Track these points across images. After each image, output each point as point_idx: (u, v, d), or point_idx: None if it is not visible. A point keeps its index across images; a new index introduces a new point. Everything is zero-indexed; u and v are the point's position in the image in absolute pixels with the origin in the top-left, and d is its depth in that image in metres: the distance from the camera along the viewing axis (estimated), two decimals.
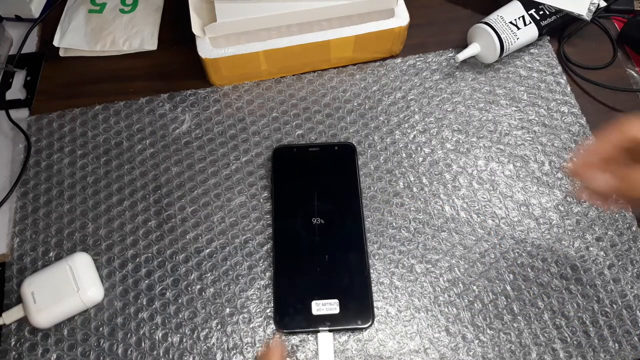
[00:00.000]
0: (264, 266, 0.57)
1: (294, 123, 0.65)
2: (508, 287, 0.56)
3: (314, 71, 0.69)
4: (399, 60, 0.70)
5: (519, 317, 0.55)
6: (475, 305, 0.55)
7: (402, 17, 0.66)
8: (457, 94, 0.67)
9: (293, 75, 0.69)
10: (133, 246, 0.58)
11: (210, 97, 0.67)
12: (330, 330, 0.54)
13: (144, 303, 0.56)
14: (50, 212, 0.60)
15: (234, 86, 0.68)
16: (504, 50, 0.66)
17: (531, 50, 0.70)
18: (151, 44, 0.72)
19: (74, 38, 0.71)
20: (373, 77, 0.69)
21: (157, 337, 0.54)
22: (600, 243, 0.58)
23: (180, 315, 0.55)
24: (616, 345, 0.54)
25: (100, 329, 0.55)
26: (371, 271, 0.57)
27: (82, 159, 0.63)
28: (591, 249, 0.58)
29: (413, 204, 0.60)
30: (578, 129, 0.65)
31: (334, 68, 0.69)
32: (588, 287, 0.56)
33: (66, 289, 0.53)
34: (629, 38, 0.71)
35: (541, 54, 0.70)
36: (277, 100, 0.67)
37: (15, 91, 0.69)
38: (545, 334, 0.54)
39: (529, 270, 0.57)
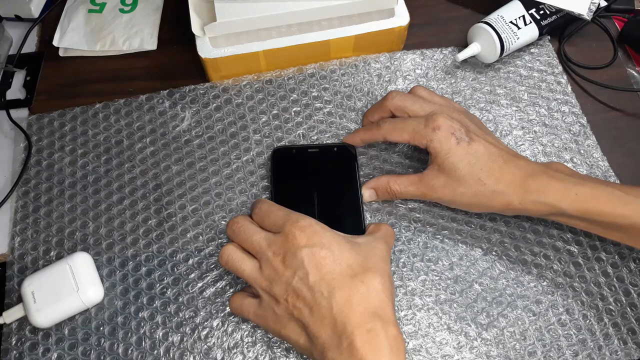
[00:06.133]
0: None
1: (295, 121, 0.65)
2: (511, 284, 0.56)
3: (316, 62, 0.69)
4: (399, 54, 0.70)
5: (522, 314, 0.55)
6: (478, 303, 0.55)
7: (402, 17, 0.66)
8: (458, 93, 0.67)
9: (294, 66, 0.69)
10: (133, 245, 0.58)
11: (210, 93, 0.67)
12: None
13: (145, 302, 0.56)
14: (51, 211, 0.60)
15: (234, 80, 0.68)
16: (505, 50, 0.66)
17: (531, 50, 0.70)
18: (151, 44, 0.71)
19: (73, 38, 0.71)
20: (376, 70, 0.68)
21: (157, 336, 0.54)
22: (603, 241, 0.58)
23: (180, 315, 0.55)
24: (621, 343, 0.54)
25: (101, 328, 0.54)
26: None
27: (83, 158, 0.63)
28: (594, 246, 0.58)
29: (414, 204, 0.60)
30: (578, 129, 0.65)
31: (337, 60, 0.69)
32: (592, 284, 0.56)
33: (66, 288, 0.53)
34: (630, 37, 0.72)
35: (541, 54, 0.70)
36: (277, 95, 0.67)
37: (15, 91, 0.69)
38: (550, 332, 0.54)
39: (532, 267, 0.57)
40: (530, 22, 0.67)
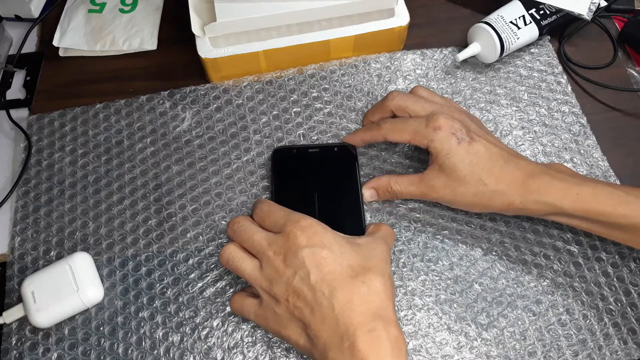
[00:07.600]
0: None
1: (295, 122, 0.65)
2: (511, 284, 0.56)
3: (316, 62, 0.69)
4: (399, 54, 0.70)
5: (522, 314, 0.55)
6: (478, 303, 0.55)
7: (402, 17, 0.66)
8: (458, 93, 0.67)
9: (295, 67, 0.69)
10: (133, 245, 0.58)
11: (211, 94, 0.67)
12: None
13: (145, 302, 0.55)
14: (51, 211, 0.60)
15: (234, 81, 0.67)
16: (505, 50, 0.66)
17: (531, 50, 0.70)
18: (151, 44, 0.71)
19: (73, 38, 0.71)
20: (376, 70, 0.68)
21: (157, 336, 0.54)
22: (603, 241, 0.58)
23: (180, 314, 0.55)
24: (621, 343, 0.54)
25: (101, 328, 0.54)
26: None
27: (83, 158, 0.63)
28: (594, 246, 0.58)
29: (414, 204, 0.60)
30: (578, 129, 0.65)
31: (337, 60, 0.69)
32: (592, 284, 0.56)
33: (66, 288, 0.53)
34: (630, 37, 0.72)
35: (541, 54, 0.70)
36: (278, 96, 0.67)
37: (15, 91, 0.69)
38: (550, 332, 0.54)
39: (533, 267, 0.57)
40: (530, 22, 0.67)
